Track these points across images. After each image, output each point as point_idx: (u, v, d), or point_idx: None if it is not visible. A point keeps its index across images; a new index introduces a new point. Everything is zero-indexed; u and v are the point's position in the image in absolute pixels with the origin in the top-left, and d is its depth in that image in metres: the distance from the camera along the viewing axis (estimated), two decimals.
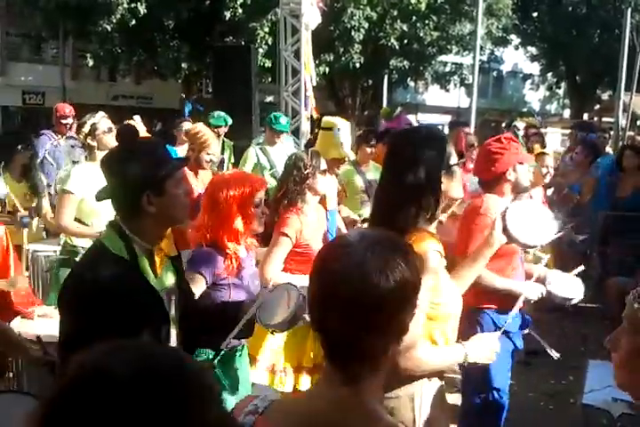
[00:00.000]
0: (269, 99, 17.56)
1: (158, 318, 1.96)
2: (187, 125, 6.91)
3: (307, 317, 2.66)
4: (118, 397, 0.78)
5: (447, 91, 23.57)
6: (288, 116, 8.21)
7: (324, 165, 3.64)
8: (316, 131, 6.93)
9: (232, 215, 2.72)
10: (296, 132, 8.97)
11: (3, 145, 5.44)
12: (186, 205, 2.03)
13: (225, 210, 2.72)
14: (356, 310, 1.15)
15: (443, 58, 21.31)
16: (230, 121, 7.26)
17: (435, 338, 2.08)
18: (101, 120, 3.91)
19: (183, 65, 16.39)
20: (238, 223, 2.72)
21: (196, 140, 4.26)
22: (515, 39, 26.29)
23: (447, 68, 22.59)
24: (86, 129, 3.88)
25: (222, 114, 7.25)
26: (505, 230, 2.39)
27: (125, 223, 1.93)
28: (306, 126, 9.33)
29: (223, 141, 7.33)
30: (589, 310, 5.55)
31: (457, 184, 2.24)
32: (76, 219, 3.80)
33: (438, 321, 2.08)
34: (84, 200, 3.74)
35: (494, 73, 32.84)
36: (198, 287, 2.65)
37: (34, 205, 5.13)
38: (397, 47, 17.28)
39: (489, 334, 2.34)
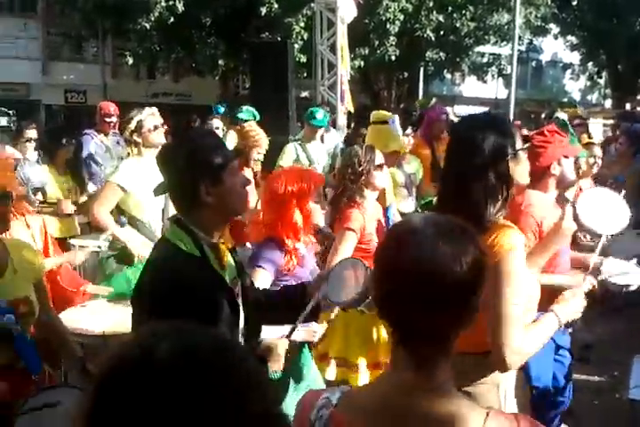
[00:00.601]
0: (305, 94, 17.59)
1: (233, 311, 1.97)
2: (216, 123, 6.98)
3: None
4: (157, 381, 0.78)
5: (485, 82, 23.27)
6: (325, 110, 8.21)
7: (379, 160, 3.60)
8: (353, 125, 6.95)
9: (291, 210, 2.74)
10: (333, 126, 8.97)
11: (47, 142, 5.56)
12: (243, 195, 2.03)
13: (284, 205, 2.74)
14: (426, 294, 1.15)
15: (480, 49, 21.01)
16: (258, 116, 7.28)
17: None
18: (147, 118, 3.87)
19: (220, 62, 16.54)
20: (297, 218, 2.75)
21: (248, 137, 4.31)
22: (554, 28, 25.78)
23: (484, 59, 22.28)
24: (132, 125, 3.84)
25: (251, 108, 7.24)
26: (576, 218, 2.31)
27: (186, 217, 1.94)
28: (342, 120, 9.34)
29: None
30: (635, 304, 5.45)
31: (523, 170, 2.16)
32: (124, 212, 3.82)
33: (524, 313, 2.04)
34: (130, 194, 3.77)
35: (533, 63, 32.28)
36: (264, 282, 2.67)
37: (79, 200, 5.27)
38: (433, 39, 17.10)
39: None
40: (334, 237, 3.48)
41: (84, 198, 5.36)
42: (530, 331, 1.94)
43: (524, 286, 1.93)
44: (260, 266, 2.70)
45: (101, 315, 3.38)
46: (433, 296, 1.15)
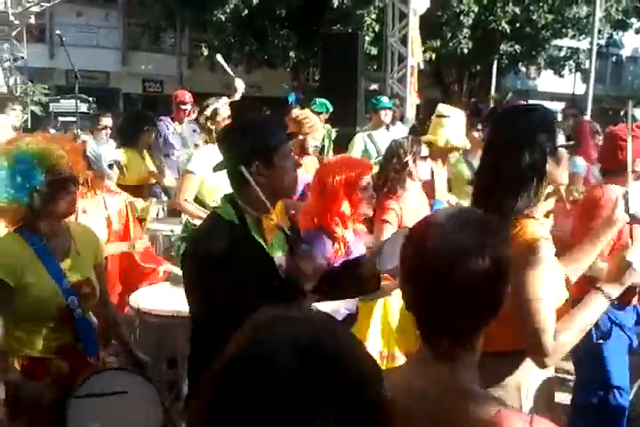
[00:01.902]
0: (374, 87, 17.53)
1: (272, 278, 2.03)
2: (295, 113, 7.09)
3: None
4: (283, 387, 0.77)
5: (561, 76, 22.53)
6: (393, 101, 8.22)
7: (424, 152, 3.61)
8: (421, 117, 6.93)
9: (339, 199, 2.79)
10: (401, 119, 8.96)
11: (127, 127, 5.78)
12: (293, 177, 2.12)
13: (332, 194, 2.79)
14: (448, 288, 1.15)
15: (557, 42, 20.36)
16: (331, 108, 7.36)
17: None
18: (224, 106, 3.98)
19: (291, 54, 16.70)
20: (345, 207, 2.79)
21: (302, 125, 4.39)
22: (635, 22, 24.66)
23: (562, 53, 21.56)
24: (208, 112, 3.95)
25: (324, 101, 7.33)
26: (627, 210, 2.26)
27: (237, 194, 2.06)
28: (411, 113, 9.31)
29: (324, 129, 7.47)
30: None
31: (563, 168, 2.12)
32: (197, 198, 3.93)
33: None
34: (204, 181, 3.88)
35: (613, 58, 30.99)
36: None
37: (161, 182, 5.49)
38: (508, 31, 16.71)
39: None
40: None
41: (164, 180, 5.58)
42: (570, 321, 1.88)
43: (552, 279, 1.88)
44: None
45: (169, 296, 3.48)
46: (455, 290, 1.15)
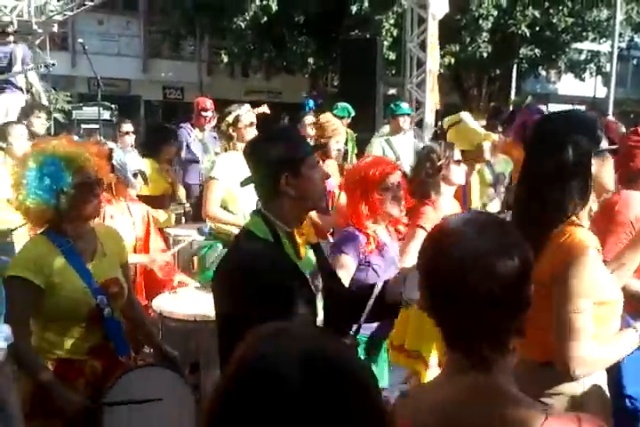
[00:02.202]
0: (392, 91, 17.54)
1: (305, 295, 2.03)
2: (309, 119, 7.16)
3: None
4: (289, 401, 0.77)
5: (582, 80, 22.35)
6: (412, 107, 8.24)
7: (457, 156, 3.59)
8: (440, 123, 6.93)
9: (357, 198, 2.83)
10: (420, 124, 8.97)
11: (148, 138, 5.88)
12: (322, 188, 2.13)
13: (353, 194, 2.85)
14: (471, 292, 1.15)
15: (577, 45, 20.21)
16: (353, 112, 7.39)
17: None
18: (245, 113, 4.00)
19: (310, 60, 16.76)
20: (362, 207, 2.82)
21: (325, 128, 4.42)
22: None
23: (582, 56, 21.40)
24: (230, 119, 3.97)
25: (346, 105, 7.37)
26: None
27: (267, 207, 2.05)
28: (430, 118, 9.30)
29: (346, 132, 7.49)
30: None
31: (608, 171, 2.04)
32: (220, 206, 3.95)
33: (601, 321, 1.94)
34: (227, 187, 3.91)
35: (634, 61, 30.65)
36: (349, 268, 2.74)
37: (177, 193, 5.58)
38: (528, 35, 16.63)
39: None
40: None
41: (179, 192, 5.67)
42: (607, 343, 1.86)
43: (600, 290, 1.85)
44: (343, 252, 2.77)
45: (192, 301, 3.53)
46: (480, 295, 1.15)
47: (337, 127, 4.44)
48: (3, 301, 2.11)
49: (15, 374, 2.22)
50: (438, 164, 3.44)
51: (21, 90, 8.02)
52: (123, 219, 3.78)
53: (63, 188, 2.35)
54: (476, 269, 1.15)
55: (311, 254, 2.16)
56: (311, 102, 8.86)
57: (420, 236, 3.24)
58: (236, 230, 3.88)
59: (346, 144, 7.40)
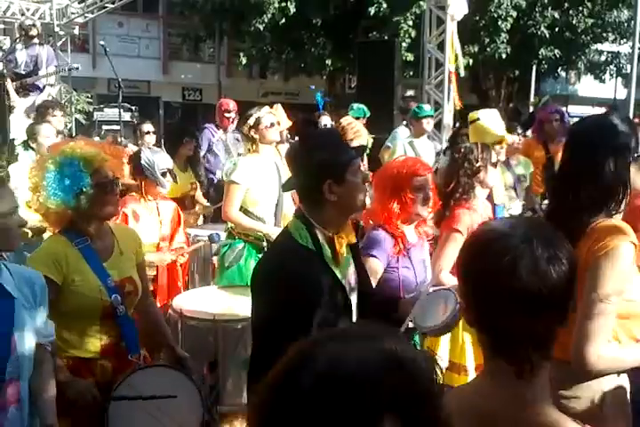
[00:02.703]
0: (410, 93, 17.50)
1: (341, 303, 2.05)
2: (325, 120, 7.20)
3: None
4: (362, 403, 0.75)
5: (602, 81, 22.13)
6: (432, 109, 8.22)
7: (494, 158, 3.57)
8: (459, 124, 6.93)
9: (388, 198, 2.82)
10: (438, 125, 8.94)
11: (167, 139, 5.97)
12: (364, 192, 2.13)
13: (384, 193, 2.84)
14: (522, 299, 1.14)
15: (597, 46, 20.02)
16: (368, 113, 7.40)
17: (619, 337, 1.96)
18: (266, 115, 4.05)
19: (327, 62, 16.77)
20: (394, 206, 2.81)
21: (347, 131, 4.47)
22: None
23: (602, 58, 21.19)
24: (251, 121, 4.01)
25: (361, 106, 7.38)
26: None
27: (309, 212, 2.05)
28: (448, 119, 9.27)
29: None
30: None
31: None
32: (241, 207, 3.99)
33: (631, 319, 1.96)
34: (248, 190, 3.96)
35: None
36: (377, 272, 2.74)
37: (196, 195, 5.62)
38: (548, 36, 16.50)
39: None
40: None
41: (199, 194, 5.71)
42: (626, 347, 1.86)
43: (627, 284, 1.85)
44: (371, 255, 2.75)
45: (212, 300, 3.59)
46: (529, 301, 1.14)
47: (359, 129, 4.50)
48: (46, 296, 2.16)
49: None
50: (476, 165, 3.39)
51: (42, 90, 8.13)
52: (150, 218, 3.85)
53: (82, 188, 2.40)
54: (526, 274, 1.14)
55: (349, 255, 2.17)
56: (319, 96, 8.90)
57: (457, 239, 3.21)
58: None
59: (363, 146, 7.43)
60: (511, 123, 6.09)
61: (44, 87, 8.13)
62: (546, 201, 5.27)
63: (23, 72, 7.91)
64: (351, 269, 2.16)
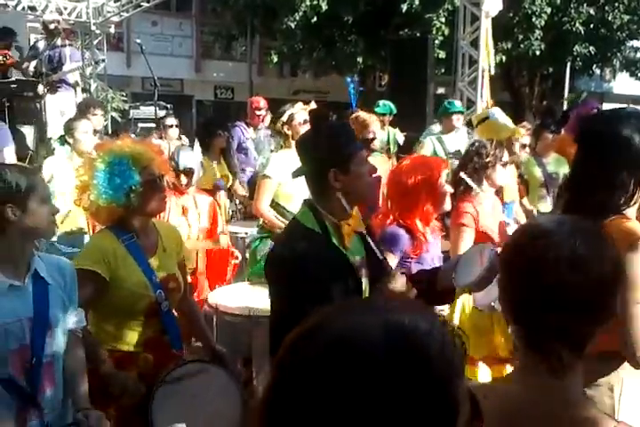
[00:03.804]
0: (441, 90, 17.37)
1: (352, 283, 2.10)
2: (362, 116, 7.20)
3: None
4: (373, 372, 0.74)
5: (638, 79, 21.71)
6: (463, 106, 8.17)
7: (506, 157, 3.57)
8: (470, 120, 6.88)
9: (422, 199, 2.84)
10: (470, 123, 8.87)
11: (201, 134, 6.03)
12: (370, 183, 2.19)
13: (414, 193, 2.84)
14: (565, 296, 1.15)
15: (633, 43, 19.65)
16: (395, 111, 7.37)
17: None
18: (299, 112, 4.13)
19: (358, 59, 16.74)
20: (428, 206, 2.85)
21: (355, 122, 4.52)
22: None
23: (638, 55, 20.80)
24: (284, 118, 4.11)
25: (387, 102, 7.38)
26: None
27: (316, 200, 2.14)
28: None
29: (388, 131, 7.50)
30: None
31: None
32: (272, 201, 4.06)
33: None
34: (281, 184, 4.01)
35: None
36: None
37: (233, 187, 5.69)
38: (582, 32, 16.24)
39: None
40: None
41: (237, 186, 5.78)
42: None
43: None
44: (387, 250, 2.75)
45: (247, 296, 3.63)
46: (572, 298, 1.14)
47: (364, 119, 4.56)
48: (75, 284, 2.23)
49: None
50: (486, 160, 3.42)
51: (74, 87, 8.24)
52: (190, 211, 3.94)
53: (132, 186, 2.46)
54: (572, 272, 1.15)
55: (358, 243, 2.21)
56: (351, 85, 8.88)
57: (465, 232, 3.27)
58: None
59: (388, 142, 7.41)
60: (545, 120, 6.02)
61: (75, 84, 8.22)
62: None
63: (46, 69, 8.00)
64: (362, 256, 2.19)
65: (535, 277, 1.17)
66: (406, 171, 2.91)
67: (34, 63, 7.89)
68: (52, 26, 7.92)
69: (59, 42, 7.98)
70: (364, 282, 2.18)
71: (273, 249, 2.25)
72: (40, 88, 7.36)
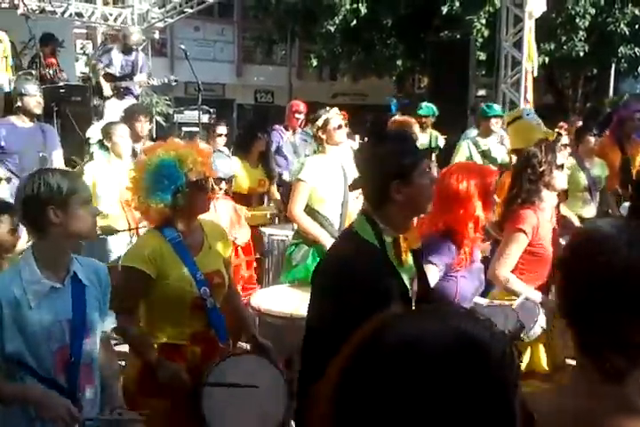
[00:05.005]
0: (481, 92, 17.20)
1: (402, 301, 2.04)
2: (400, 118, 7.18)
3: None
4: (434, 373, 0.76)
5: None
6: (505, 109, 8.09)
7: (560, 160, 3.48)
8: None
9: (475, 205, 2.75)
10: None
11: (241, 137, 6.10)
12: (431, 195, 2.14)
13: (468, 201, 2.76)
14: (622, 302, 1.13)
15: None
16: (437, 112, 7.34)
17: None
18: (334, 116, 4.13)
19: (398, 62, 16.71)
20: (480, 212, 2.76)
21: (394, 125, 4.54)
22: None
23: None
24: (320, 122, 4.11)
25: (430, 104, 7.35)
26: None
27: (375, 212, 2.07)
28: None
29: (430, 133, 7.47)
30: None
31: None
32: (306, 206, 4.07)
33: None
34: (315, 188, 4.03)
35: None
36: (431, 278, 2.66)
37: (270, 191, 5.74)
38: (627, 33, 15.89)
39: None
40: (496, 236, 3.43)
41: (273, 190, 5.83)
42: None
43: None
44: (430, 262, 2.68)
45: (289, 298, 3.67)
46: (629, 304, 1.13)
47: (403, 121, 4.54)
48: (108, 286, 2.33)
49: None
50: (540, 169, 3.31)
51: (137, 98, 8.48)
52: (208, 215, 4.01)
53: (179, 187, 2.55)
54: (626, 277, 1.13)
55: (411, 260, 2.17)
56: (394, 103, 8.87)
57: (520, 240, 3.18)
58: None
59: (430, 144, 7.37)
60: (588, 123, 5.93)
61: (138, 95, 8.43)
62: (626, 204, 5.10)
63: (118, 74, 8.22)
64: (412, 274, 2.16)
65: (590, 283, 1.16)
66: (458, 176, 2.81)
67: (101, 65, 8.14)
68: (130, 41, 8.24)
69: (134, 53, 8.32)
70: (413, 299, 2.15)
71: (327, 258, 2.21)
72: (104, 91, 7.53)
